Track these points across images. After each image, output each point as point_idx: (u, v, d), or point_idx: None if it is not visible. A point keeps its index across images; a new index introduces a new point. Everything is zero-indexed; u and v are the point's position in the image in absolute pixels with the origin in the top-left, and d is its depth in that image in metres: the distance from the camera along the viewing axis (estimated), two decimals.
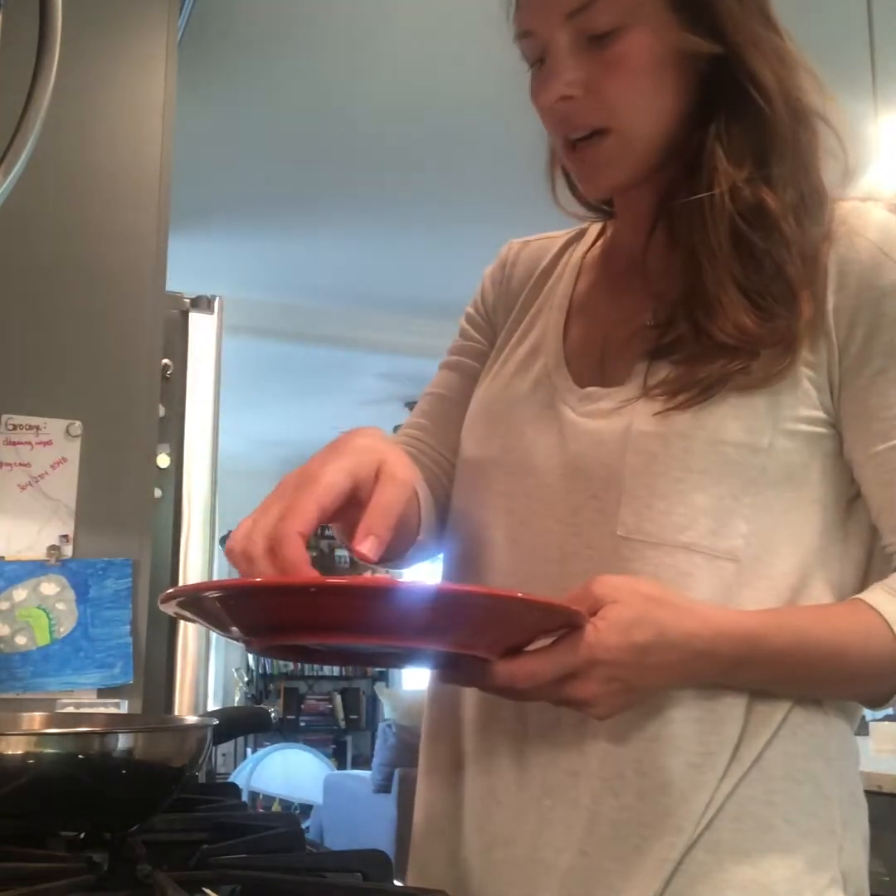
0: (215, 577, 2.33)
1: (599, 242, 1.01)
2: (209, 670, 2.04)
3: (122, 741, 0.74)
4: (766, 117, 0.85)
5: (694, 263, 0.85)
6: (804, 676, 0.80)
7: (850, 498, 0.86)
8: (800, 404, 0.82)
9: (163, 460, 1.99)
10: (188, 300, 2.13)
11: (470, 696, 0.89)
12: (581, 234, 1.04)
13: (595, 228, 1.03)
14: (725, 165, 0.84)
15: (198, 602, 0.71)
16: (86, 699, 1.73)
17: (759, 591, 0.81)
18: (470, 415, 0.97)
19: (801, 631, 0.78)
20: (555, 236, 1.06)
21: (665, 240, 0.89)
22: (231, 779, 4.32)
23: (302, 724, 7.91)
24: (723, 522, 0.81)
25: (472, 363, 1.04)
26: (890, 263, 0.82)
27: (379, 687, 7.47)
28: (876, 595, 0.80)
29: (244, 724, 1.20)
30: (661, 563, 0.81)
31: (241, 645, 0.77)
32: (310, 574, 0.68)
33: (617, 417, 0.85)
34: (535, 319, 0.98)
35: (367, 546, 0.69)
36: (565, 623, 0.72)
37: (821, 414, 0.83)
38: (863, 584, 0.85)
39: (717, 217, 0.84)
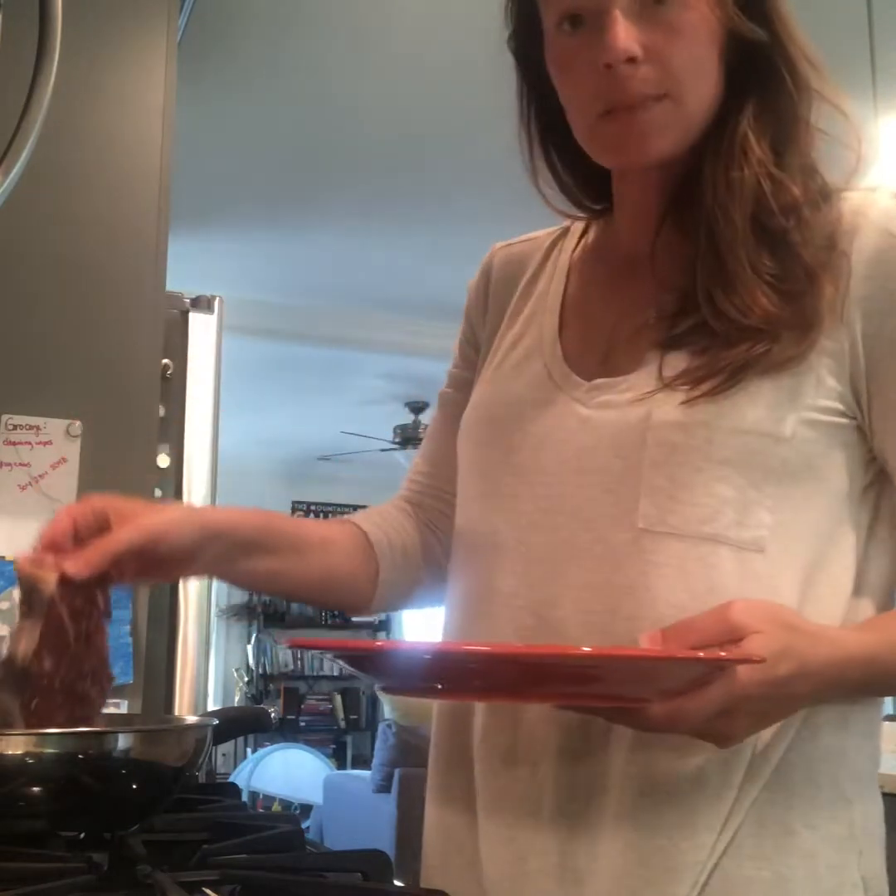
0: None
1: (587, 240, 1.00)
2: (209, 670, 2.04)
3: (122, 741, 0.74)
4: (795, 107, 0.86)
5: (712, 248, 0.84)
6: None
7: (864, 486, 0.85)
8: (819, 395, 0.82)
9: (163, 460, 1.98)
10: (188, 300, 2.13)
11: (479, 706, 0.87)
12: (565, 232, 1.03)
13: (578, 226, 1.02)
14: (755, 149, 0.85)
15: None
16: None
17: (786, 582, 0.81)
18: (467, 420, 0.96)
19: None
20: (536, 237, 1.05)
21: (674, 231, 0.89)
22: (231, 779, 4.32)
23: (302, 724, 7.90)
24: (747, 513, 0.80)
25: (454, 393, 1.05)
26: None
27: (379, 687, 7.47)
28: None
29: (244, 724, 1.21)
30: (686, 555, 0.80)
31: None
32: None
33: (634, 408, 0.83)
34: (528, 324, 0.97)
35: (70, 565, 0.78)
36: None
37: (839, 404, 0.83)
38: (872, 572, 0.85)
39: (741, 199, 0.84)
